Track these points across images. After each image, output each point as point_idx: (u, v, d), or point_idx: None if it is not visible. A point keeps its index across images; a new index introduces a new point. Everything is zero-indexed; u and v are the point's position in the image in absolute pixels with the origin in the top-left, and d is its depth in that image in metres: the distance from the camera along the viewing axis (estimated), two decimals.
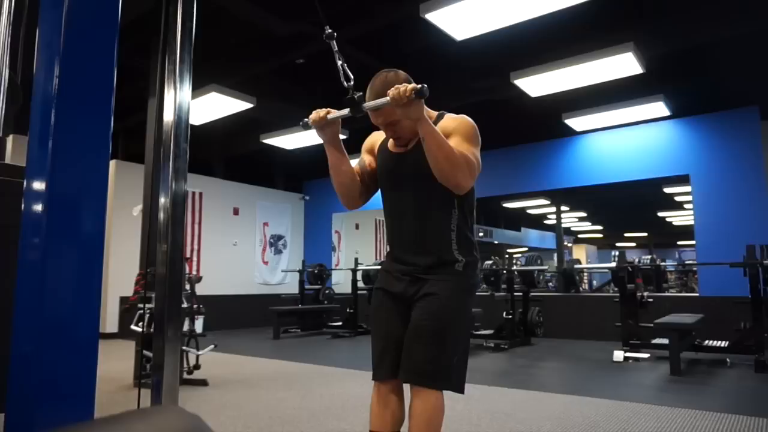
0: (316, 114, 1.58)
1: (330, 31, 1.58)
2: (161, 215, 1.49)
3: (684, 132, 6.51)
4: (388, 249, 1.76)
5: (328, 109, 1.60)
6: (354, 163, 1.73)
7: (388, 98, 1.40)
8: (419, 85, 1.37)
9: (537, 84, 5.14)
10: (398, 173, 1.64)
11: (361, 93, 1.53)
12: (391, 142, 1.67)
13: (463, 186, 1.51)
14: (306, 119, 1.62)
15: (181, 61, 1.55)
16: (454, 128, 1.59)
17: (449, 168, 1.46)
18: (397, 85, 1.38)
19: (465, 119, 1.62)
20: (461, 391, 1.53)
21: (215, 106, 5.82)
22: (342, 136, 1.69)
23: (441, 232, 1.59)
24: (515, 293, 6.20)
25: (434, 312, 1.52)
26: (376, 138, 1.77)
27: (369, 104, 1.49)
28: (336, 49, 1.58)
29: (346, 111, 1.53)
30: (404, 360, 1.52)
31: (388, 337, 1.60)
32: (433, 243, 1.60)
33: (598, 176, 7.09)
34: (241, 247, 8.97)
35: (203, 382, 3.96)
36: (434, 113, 1.67)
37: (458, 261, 1.58)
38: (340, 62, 1.59)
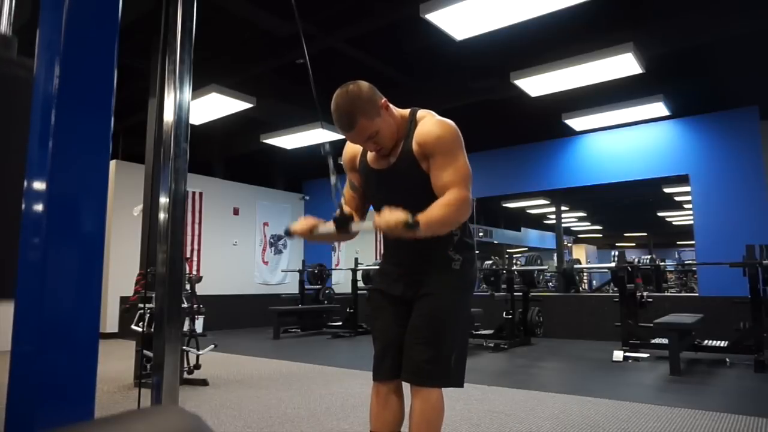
0: (301, 227, 1.56)
1: (333, 166, 1.50)
2: (161, 215, 1.49)
3: (683, 132, 6.51)
4: (383, 249, 1.75)
5: (313, 223, 1.56)
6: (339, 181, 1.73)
7: (371, 225, 1.39)
8: (409, 220, 1.31)
9: (537, 84, 5.14)
10: (385, 189, 1.61)
11: (349, 212, 1.52)
12: (370, 155, 1.62)
13: (466, 217, 1.53)
14: (288, 228, 1.59)
15: (181, 61, 1.55)
16: (433, 147, 1.48)
17: (456, 222, 1.49)
18: (386, 219, 1.32)
19: (444, 131, 1.49)
20: (461, 385, 1.54)
21: (215, 106, 5.82)
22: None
23: (440, 240, 1.55)
24: (515, 293, 6.20)
25: (431, 312, 1.52)
26: (354, 151, 1.70)
27: (357, 227, 1.49)
28: (333, 166, 1.51)
29: (332, 229, 1.50)
30: (404, 360, 1.53)
31: (387, 338, 1.60)
32: (431, 248, 1.56)
33: (598, 176, 7.09)
34: (241, 247, 8.98)
35: (203, 382, 3.96)
36: (405, 113, 1.59)
37: (455, 260, 1.57)
38: (333, 179, 1.52)
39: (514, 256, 13.30)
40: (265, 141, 7.17)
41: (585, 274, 12.71)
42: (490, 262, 7.06)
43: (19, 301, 1.06)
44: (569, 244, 16.71)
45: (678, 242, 16.39)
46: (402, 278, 1.60)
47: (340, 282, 9.45)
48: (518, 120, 6.99)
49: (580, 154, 7.28)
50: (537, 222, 15.27)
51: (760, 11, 4.13)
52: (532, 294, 6.68)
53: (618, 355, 5.05)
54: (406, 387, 1.58)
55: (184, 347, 3.99)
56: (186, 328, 4.13)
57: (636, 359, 5.05)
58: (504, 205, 11.62)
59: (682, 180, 6.61)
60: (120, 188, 7.21)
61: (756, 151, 5.99)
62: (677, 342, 4.34)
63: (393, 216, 1.32)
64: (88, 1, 1.12)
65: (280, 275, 9.54)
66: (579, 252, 17.40)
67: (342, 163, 1.78)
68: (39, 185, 1.04)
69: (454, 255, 1.57)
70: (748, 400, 3.47)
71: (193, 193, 8.14)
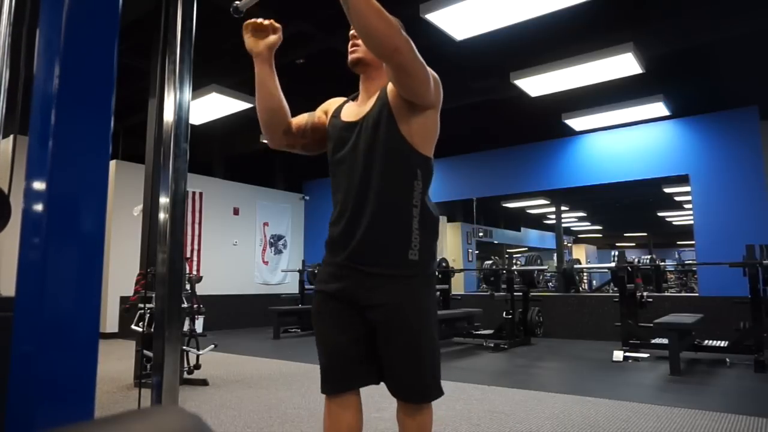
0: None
1: None
2: (161, 215, 1.48)
3: (683, 132, 6.51)
4: (330, 237, 1.51)
5: None
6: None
7: None
8: None
9: (537, 84, 5.14)
10: (351, 141, 1.44)
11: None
12: (345, 110, 1.52)
13: (403, 53, 1.26)
14: (237, 3, 1.45)
15: (181, 61, 1.55)
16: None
17: (383, 26, 1.22)
18: None
19: None
20: (442, 391, 1.43)
21: (215, 106, 5.82)
22: None
23: (401, 208, 1.38)
24: (515, 293, 6.20)
25: (404, 327, 1.36)
26: (333, 103, 1.62)
27: None
28: None
29: None
30: (390, 379, 1.40)
31: (333, 350, 1.42)
32: (391, 220, 1.38)
33: (598, 176, 7.09)
34: (241, 247, 8.98)
35: (203, 382, 3.96)
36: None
37: (412, 248, 1.37)
38: None
39: (514, 256, 13.29)
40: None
41: (585, 274, 12.70)
42: (490, 262, 7.06)
43: (19, 301, 1.06)
44: (569, 244, 16.71)
45: (678, 242, 16.39)
46: (348, 276, 1.40)
47: None
48: (518, 120, 7.00)
49: (580, 154, 7.28)
50: (537, 222, 15.27)
51: (760, 11, 4.13)
52: (532, 294, 6.68)
53: (618, 355, 5.05)
54: (365, 397, 1.47)
55: (184, 347, 3.99)
56: (186, 328, 4.13)
57: (636, 359, 5.05)
58: (504, 205, 11.61)
59: (682, 180, 6.61)
60: (120, 188, 7.21)
61: (756, 151, 5.99)
62: (677, 342, 4.34)
63: None
64: (88, 1, 1.12)
65: (280, 275, 9.54)
66: (579, 252, 17.39)
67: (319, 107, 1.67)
68: (39, 185, 1.04)
69: (416, 238, 1.38)
70: (748, 400, 3.47)
71: (193, 193, 8.14)
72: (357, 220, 1.39)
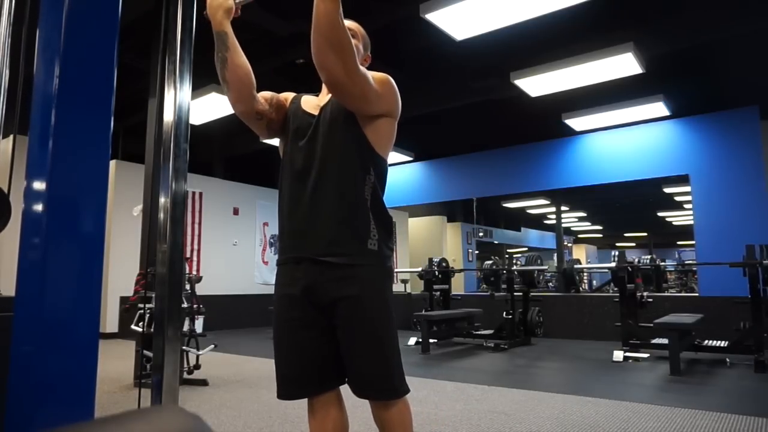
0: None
1: None
2: (161, 215, 1.48)
3: (684, 132, 6.51)
4: (281, 233, 1.49)
5: None
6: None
7: None
8: None
9: (537, 84, 5.14)
10: (311, 129, 1.46)
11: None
12: (305, 100, 1.55)
13: (333, 73, 1.29)
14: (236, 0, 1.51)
15: (181, 61, 1.55)
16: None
17: (329, 37, 1.24)
18: None
19: (381, 73, 1.44)
20: (408, 388, 1.42)
21: (215, 106, 5.82)
22: None
23: (354, 197, 1.39)
24: (515, 293, 6.20)
25: (367, 318, 1.36)
26: (290, 94, 1.64)
27: None
28: None
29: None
30: (356, 378, 1.38)
31: (311, 353, 1.40)
32: (348, 210, 1.38)
33: (598, 176, 7.09)
34: (241, 247, 8.98)
35: (203, 382, 3.96)
36: None
37: (371, 237, 1.38)
38: None
39: (514, 256, 13.29)
40: (265, 141, 7.17)
41: (585, 274, 12.70)
42: (490, 262, 7.07)
43: (19, 301, 1.06)
44: (569, 244, 16.70)
45: (678, 242, 16.39)
46: (309, 272, 1.39)
47: None
48: (518, 120, 7.00)
49: (580, 154, 7.28)
50: (537, 222, 15.27)
51: (760, 11, 4.13)
52: (532, 294, 6.68)
53: (618, 355, 5.05)
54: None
55: (184, 347, 3.99)
56: (186, 328, 4.13)
57: (636, 359, 5.05)
58: (504, 205, 11.62)
59: (682, 180, 6.61)
60: (120, 188, 7.21)
61: (756, 151, 5.99)
62: (677, 342, 4.34)
63: None
64: (88, 1, 1.12)
65: None
66: (579, 252, 17.39)
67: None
68: (39, 185, 1.04)
69: (373, 228, 1.39)
70: (748, 400, 3.47)
71: (193, 193, 8.14)
72: (315, 210, 1.39)
